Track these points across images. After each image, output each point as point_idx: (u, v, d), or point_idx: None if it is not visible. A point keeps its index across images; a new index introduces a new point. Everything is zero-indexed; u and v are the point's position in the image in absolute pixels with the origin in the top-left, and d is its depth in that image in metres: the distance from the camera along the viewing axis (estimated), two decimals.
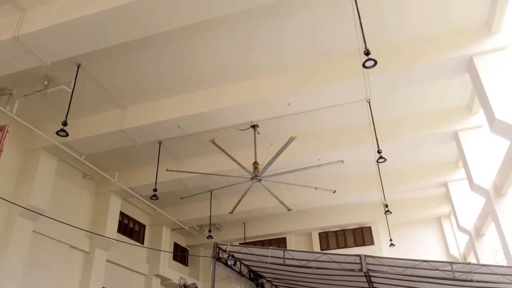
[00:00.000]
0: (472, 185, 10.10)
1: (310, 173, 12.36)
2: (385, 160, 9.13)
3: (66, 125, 8.05)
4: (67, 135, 8.11)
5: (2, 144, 5.08)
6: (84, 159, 11.20)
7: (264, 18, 7.86)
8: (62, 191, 11.85)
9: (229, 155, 9.34)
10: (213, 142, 9.12)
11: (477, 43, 8.03)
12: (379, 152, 9.07)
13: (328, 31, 8.22)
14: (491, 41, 7.98)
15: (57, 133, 8.03)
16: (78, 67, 8.62)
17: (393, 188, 13.83)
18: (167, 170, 10.94)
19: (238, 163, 9.50)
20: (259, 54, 8.71)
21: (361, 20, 6.73)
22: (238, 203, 11.38)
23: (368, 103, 9.55)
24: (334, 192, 11.32)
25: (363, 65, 6.27)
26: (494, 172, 9.52)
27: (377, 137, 9.68)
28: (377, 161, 9.18)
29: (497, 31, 7.96)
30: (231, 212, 12.02)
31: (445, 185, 13.73)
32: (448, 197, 14.27)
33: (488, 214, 10.43)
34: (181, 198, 12.57)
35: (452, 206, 13.52)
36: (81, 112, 10.12)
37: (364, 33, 6.52)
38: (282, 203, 11.11)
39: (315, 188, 10.86)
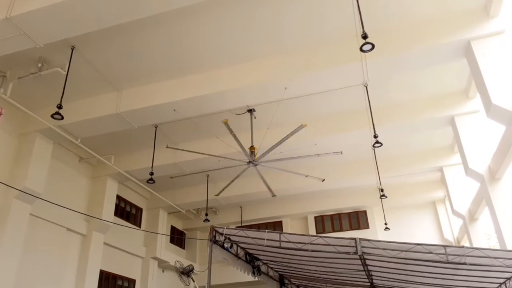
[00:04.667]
0: (467, 170, 10.16)
1: (306, 158, 12.37)
2: (381, 144, 9.14)
3: (61, 108, 7.98)
4: (62, 118, 8.04)
5: None
6: (80, 142, 11.17)
7: (261, 1, 7.74)
8: (58, 174, 11.85)
9: (236, 139, 9.31)
10: (226, 123, 9.08)
11: (475, 27, 7.96)
12: (375, 136, 9.06)
13: (326, 14, 8.12)
14: (489, 26, 7.91)
15: (52, 116, 7.96)
16: (72, 49, 8.50)
17: (388, 173, 13.90)
18: (167, 147, 10.91)
19: (242, 147, 9.52)
20: (256, 37, 8.62)
21: (359, 3, 6.65)
22: (227, 186, 11.44)
23: (365, 88, 9.51)
24: (323, 181, 11.50)
25: (361, 49, 6.21)
26: (489, 157, 9.56)
27: (374, 122, 9.67)
28: (373, 146, 9.19)
29: (495, 16, 7.89)
30: (217, 195, 12.09)
31: (441, 169, 13.80)
32: (443, 181, 14.37)
33: (482, 198, 10.53)
34: (171, 177, 12.49)
35: (447, 191, 13.63)
36: (76, 95, 10.03)
37: (362, 16, 6.45)
38: (269, 188, 11.27)
39: (306, 176, 10.95)
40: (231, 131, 9.17)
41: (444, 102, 10.73)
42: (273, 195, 12.04)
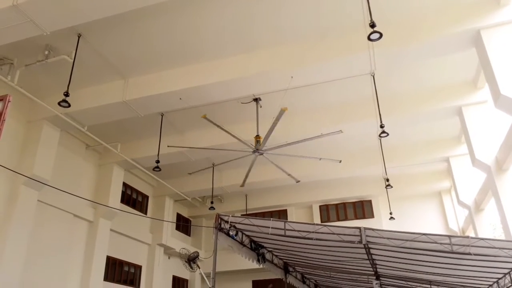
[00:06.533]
0: (474, 161, 10.11)
1: (312, 147, 12.36)
2: (388, 134, 9.10)
3: (68, 95, 8.02)
4: (69, 105, 8.08)
5: (4, 114, 5.06)
6: (87, 130, 11.23)
7: None
8: (65, 161, 11.94)
9: (224, 129, 9.34)
10: (205, 118, 9.13)
11: (485, 16, 7.84)
12: (381, 126, 9.03)
13: (333, 3, 8.02)
14: (499, 15, 7.78)
15: (59, 103, 8.02)
16: (78, 37, 8.50)
17: (394, 163, 13.86)
18: (168, 146, 10.95)
19: (235, 136, 9.54)
20: (262, 26, 8.55)
21: None
22: (246, 177, 11.43)
23: (372, 77, 9.43)
24: (340, 162, 11.32)
25: (368, 38, 6.16)
26: (497, 148, 9.50)
27: (380, 112, 9.61)
28: (380, 136, 9.16)
29: (506, 4, 7.75)
30: (242, 185, 12.07)
31: (447, 160, 13.75)
32: (449, 172, 14.33)
33: (489, 189, 10.49)
34: (189, 173, 12.65)
35: (453, 181, 13.59)
36: (83, 83, 10.06)
37: (370, 5, 6.37)
38: (289, 175, 11.21)
39: (320, 159, 10.85)
40: (216, 124, 9.25)
41: (452, 92, 10.63)
42: (297, 181, 11.97)
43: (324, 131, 11.29)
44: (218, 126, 9.32)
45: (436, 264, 8.66)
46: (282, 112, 8.70)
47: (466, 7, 7.97)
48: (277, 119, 8.86)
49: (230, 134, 9.48)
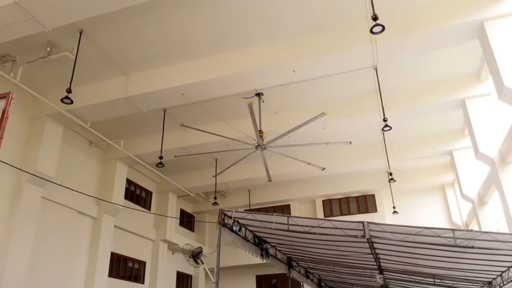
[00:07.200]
0: (478, 154, 10.08)
1: (314, 140, 12.34)
2: (391, 128, 9.07)
3: (71, 92, 8.03)
4: (72, 102, 8.08)
5: (8, 111, 5.07)
6: (90, 126, 11.24)
7: None
8: (69, 158, 11.99)
9: (254, 123, 9.32)
10: (250, 105, 8.85)
11: (488, 7, 7.76)
12: (384, 120, 9.00)
13: None
14: (503, 6, 7.71)
15: (61, 100, 8.02)
16: (80, 33, 8.49)
17: (397, 156, 13.82)
18: (182, 125, 10.80)
19: (257, 131, 9.56)
20: (264, 20, 8.51)
21: None
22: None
23: (375, 70, 9.39)
24: (323, 169, 11.38)
25: (371, 31, 6.13)
26: (500, 140, 9.46)
27: (383, 105, 9.57)
28: (383, 129, 9.13)
29: None
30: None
31: (450, 153, 13.70)
32: (452, 165, 14.28)
33: (492, 182, 10.46)
34: (175, 156, 12.28)
35: (456, 175, 13.55)
36: (85, 79, 10.06)
37: None
38: (267, 173, 11.34)
39: (308, 164, 10.91)
40: (252, 114, 9.06)
41: (455, 85, 10.57)
42: (269, 180, 12.02)
43: (326, 126, 11.32)
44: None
45: (439, 258, 8.66)
46: (322, 114, 8.86)
47: None
48: (312, 119, 8.99)
49: (256, 128, 9.43)
